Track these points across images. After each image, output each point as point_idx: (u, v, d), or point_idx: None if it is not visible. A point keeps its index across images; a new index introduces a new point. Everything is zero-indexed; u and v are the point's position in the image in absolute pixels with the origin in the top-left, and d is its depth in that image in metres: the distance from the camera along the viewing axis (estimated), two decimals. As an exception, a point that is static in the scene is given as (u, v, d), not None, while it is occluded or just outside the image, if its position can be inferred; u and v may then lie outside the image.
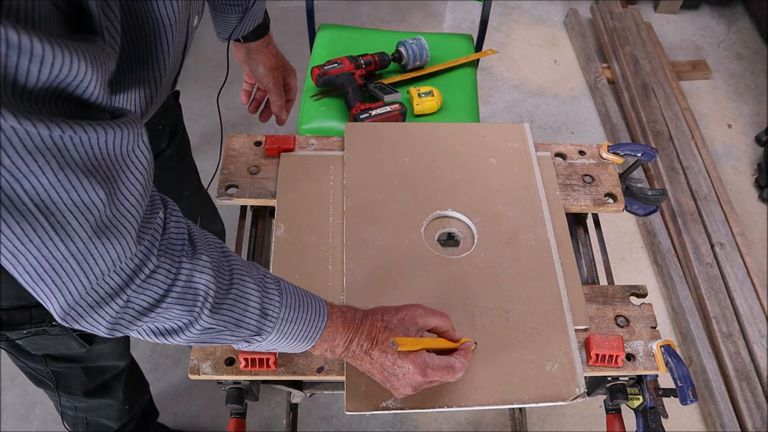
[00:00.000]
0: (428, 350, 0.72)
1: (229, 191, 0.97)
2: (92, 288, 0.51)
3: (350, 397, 0.77)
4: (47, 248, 0.47)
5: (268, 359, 0.78)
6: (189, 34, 0.74)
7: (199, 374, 0.79)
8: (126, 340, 1.17)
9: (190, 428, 1.60)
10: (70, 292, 0.51)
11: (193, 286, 0.58)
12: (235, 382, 0.83)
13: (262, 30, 1.07)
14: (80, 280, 0.50)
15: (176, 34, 0.64)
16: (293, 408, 1.34)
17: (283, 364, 0.80)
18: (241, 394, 0.84)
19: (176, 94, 1.11)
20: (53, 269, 0.49)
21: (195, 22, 0.75)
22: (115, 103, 0.66)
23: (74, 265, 0.49)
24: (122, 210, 0.51)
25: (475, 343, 0.81)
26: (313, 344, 0.69)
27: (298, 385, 1.11)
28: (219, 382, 0.84)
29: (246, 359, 0.78)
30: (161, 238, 0.56)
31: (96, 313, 0.53)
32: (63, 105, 0.44)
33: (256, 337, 0.65)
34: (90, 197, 0.47)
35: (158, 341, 0.61)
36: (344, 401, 0.77)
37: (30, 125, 0.40)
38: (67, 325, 0.54)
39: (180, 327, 0.60)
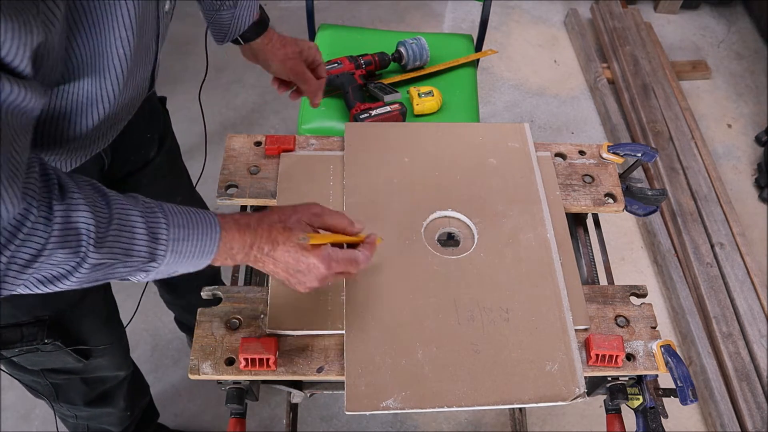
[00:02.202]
0: (333, 245, 0.73)
1: (229, 191, 0.97)
2: None
3: (350, 397, 0.77)
4: None
5: (268, 359, 0.78)
6: (159, 22, 0.73)
7: (199, 374, 0.79)
8: (124, 350, 1.16)
9: (190, 428, 1.60)
10: None
11: (73, 226, 0.57)
12: (235, 382, 0.83)
13: (260, 27, 1.04)
14: None
15: (136, 21, 0.63)
16: (293, 408, 1.34)
17: (283, 364, 0.80)
18: (241, 394, 0.84)
19: (163, 101, 1.09)
20: None
21: (166, 7, 0.73)
22: (71, 96, 0.65)
23: None
24: (6, 172, 0.50)
25: (381, 238, 0.81)
26: (211, 257, 0.68)
27: (298, 385, 1.11)
28: (219, 382, 0.84)
29: (246, 359, 0.78)
30: (39, 189, 0.55)
31: None
32: None
33: (151, 264, 0.64)
34: None
35: (47, 290, 0.60)
36: (344, 401, 0.77)
37: None
38: None
39: (68, 270, 0.59)
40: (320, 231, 0.74)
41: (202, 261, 0.68)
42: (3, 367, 0.96)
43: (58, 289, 0.60)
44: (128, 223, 0.61)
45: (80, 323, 0.95)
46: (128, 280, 0.66)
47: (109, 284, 1.04)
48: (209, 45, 1.07)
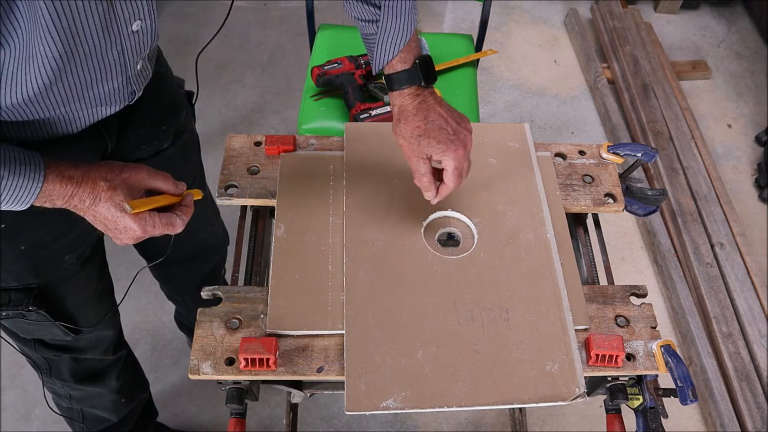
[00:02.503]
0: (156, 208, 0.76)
1: (229, 191, 0.97)
2: None
3: (350, 397, 0.77)
4: None
5: (268, 359, 0.78)
6: (123, 38, 0.73)
7: (199, 374, 0.79)
8: (116, 332, 1.17)
9: (190, 428, 1.60)
10: None
11: None
12: (235, 382, 0.83)
13: (410, 77, 0.82)
14: None
15: (58, 25, 0.64)
16: (293, 408, 1.34)
17: (283, 364, 0.80)
18: (241, 394, 0.84)
19: (189, 95, 1.10)
20: None
21: (134, 26, 0.74)
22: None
23: None
24: None
25: (202, 193, 0.83)
26: (30, 203, 0.69)
27: (298, 385, 1.11)
28: (219, 382, 0.84)
29: (246, 359, 0.78)
30: None
31: None
32: None
33: None
34: None
35: None
36: (344, 401, 0.77)
37: None
38: None
39: None
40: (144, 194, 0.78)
41: (19, 205, 0.69)
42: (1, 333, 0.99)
43: None
44: None
45: (69, 297, 0.97)
46: None
47: (106, 263, 1.07)
48: (209, 45, 1.05)
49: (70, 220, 0.68)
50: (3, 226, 0.82)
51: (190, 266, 1.32)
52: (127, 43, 0.75)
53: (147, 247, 1.23)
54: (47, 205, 0.71)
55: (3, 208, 0.69)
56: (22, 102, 0.71)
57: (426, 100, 0.83)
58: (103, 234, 0.99)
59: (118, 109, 0.84)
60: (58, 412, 1.26)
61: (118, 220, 0.73)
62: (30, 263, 0.89)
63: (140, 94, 0.86)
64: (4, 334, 1.01)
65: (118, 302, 1.10)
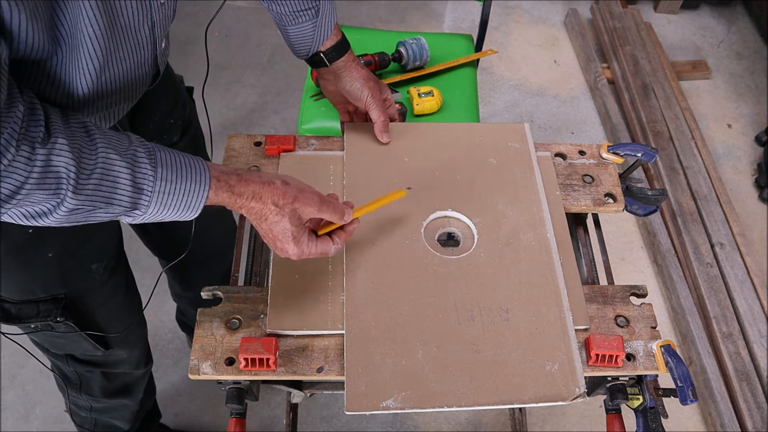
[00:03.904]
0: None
1: (229, 191, 0.96)
2: None
3: (350, 397, 0.77)
4: None
5: (268, 359, 0.78)
6: (153, 10, 0.73)
7: (199, 374, 0.79)
8: (145, 346, 1.18)
9: (191, 428, 1.60)
10: None
11: (53, 170, 0.59)
12: (235, 382, 0.83)
13: (344, 44, 0.99)
14: None
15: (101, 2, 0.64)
16: (293, 408, 1.34)
17: (283, 364, 0.80)
18: (241, 394, 0.84)
19: (190, 90, 1.12)
20: None
21: None
22: (54, 66, 0.66)
23: None
24: None
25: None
26: (198, 212, 0.70)
27: (298, 385, 1.11)
28: (219, 382, 0.84)
29: (246, 359, 0.78)
30: (20, 128, 0.57)
31: None
32: None
33: (134, 212, 0.66)
34: None
35: (30, 223, 0.63)
36: (344, 401, 0.77)
37: None
38: None
39: (47, 210, 0.62)
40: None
41: (189, 214, 0.70)
42: (30, 348, 1.00)
43: (39, 225, 0.63)
44: (111, 173, 0.63)
45: (97, 308, 0.97)
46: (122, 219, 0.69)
47: (132, 275, 1.07)
48: (209, 44, 1.06)
49: (92, 226, 0.68)
50: (31, 231, 0.82)
51: (208, 265, 1.33)
52: (156, 17, 0.75)
53: (156, 243, 1.24)
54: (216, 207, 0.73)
55: (174, 217, 0.70)
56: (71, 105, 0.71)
57: (354, 58, 1.01)
58: (122, 242, 1.00)
59: (138, 98, 0.84)
60: (73, 419, 1.27)
61: (277, 241, 0.76)
62: (57, 272, 0.89)
63: (159, 78, 0.87)
64: (35, 348, 1.01)
65: (143, 306, 1.10)
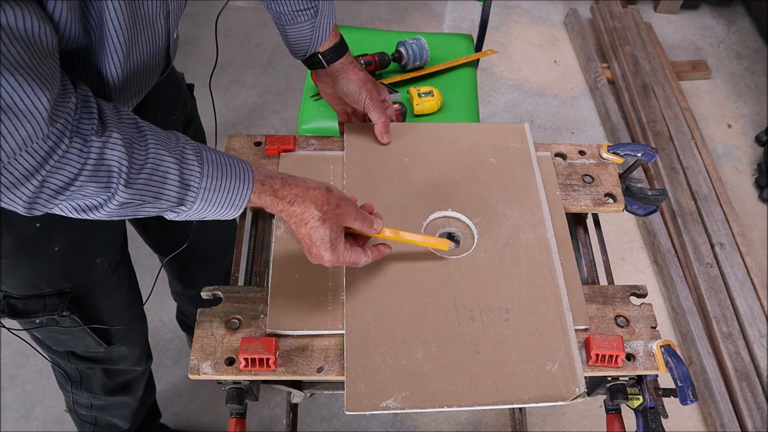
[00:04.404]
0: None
1: (229, 191, 0.96)
2: (5, 168, 0.55)
3: (350, 397, 0.77)
4: None
5: (268, 359, 0.78)
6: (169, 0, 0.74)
7: (199, 374, 0.79)
8: (145, 343, 1.18)
9: (191, 428, 1.60)
10: None
11: (106, 164, 0.60)
12: (235, 382, 0.83)
13: (342, 46, 0.99)
14: None
15: None
16: (293, 408, 1.34)
17: (283, 364, 0.80)
18: (241, 394, 0.84)
19: (191, 87, 1.13)
20: None
21: None
22: (84, 57, 0.67)
23: None
24: (27, 92, 0.53)
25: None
26: (241, 211, 0.72)
27: (298, 385, 1.11)
28: (219, 382, 0.84)
29: (246, 359, 0.78)
30: (73, 120, 0.58)
31: (12, 193, 0.57)
32: None
33: (180, 207, 0.68)
34: (9, 84, 0.51)
35: (80, 217, 0.64)
36: (344, 401, 0.77)
37: None
38: None
39: (99, 203, 0.63)
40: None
41: (231, 212, 0.71)
42: (32, 344, 1.01)
43: (90, 218, 0.65)
44: (161, 169, 0.64)
45: (101, 302, 0.98)
46: (164, 216, 0.70)
47: (134, 271, 1.08)
48: (209, 45, 1.06)
49: (97, 221, 0.69)
50: (38, 225, 0.82)
51: (210, 263, 1.33)
52: (172, 6, 0.76)
53: (157, 240, 1.24)
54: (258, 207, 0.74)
55: (216, 216, 0.71)
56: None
57: (352, 60, 1.01)
58: (126, 237, 1.01)
59: (149, 90, 0.85)
60: (73, 418, 1.27)
61: (314, 246, 0.76)
62: (63, 266, 0.89)
63: (168, 70, 0.88)
64: (35, 345, 1.02)
65: (143, 302, 1.11)
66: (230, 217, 0.72)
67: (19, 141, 0.54)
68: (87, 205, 0.63)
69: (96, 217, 0.65)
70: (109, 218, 0.65)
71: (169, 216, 0.70)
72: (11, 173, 0.56)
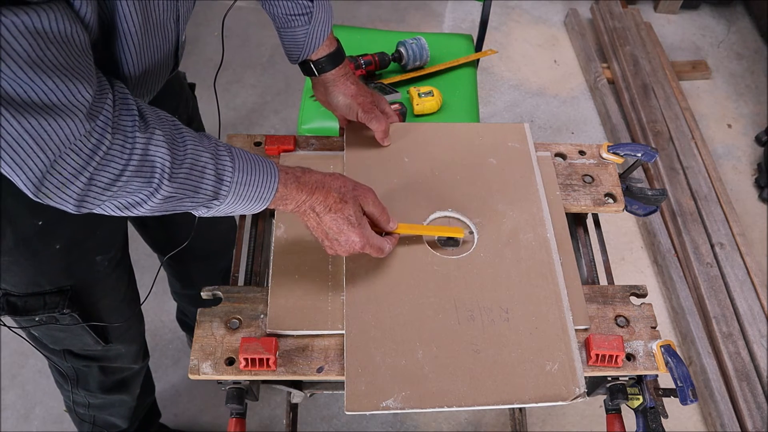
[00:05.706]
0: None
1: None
2: (52, 167, 0.57)
3: (350, 397, 0.77)
4: (2, 127, 0.53)
5: (268, 359, 0.78)
6: (179, 3, 0.75)
7: (199, 374, 0.79)
8: (143, 341, 1.18)
9: (191, 428, 1.60)
10: (31, 169, 0.57)
11: (150, 159, 0.63)
12: (235, 382, 0.83)
13: (337, 56, 0.98)
14: (38, 157, 0.56)
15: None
16: (293, 408, 1.34)
17: (283, 364, 0.80)
18: (241, 394, 0.84)
19: (192, 86, 1.14)
20: (10, 146, 0.55)
21: None
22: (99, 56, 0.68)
23: (29, 142, 0.55)
24: (66, 90, 0.55)
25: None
26: (267, 204, 0.74)
27: (298, 385, 1.11)
28: (219, 382, 0.84)
29: (246, 359, 0.78)
30: (113, 116, 0.60)
31: (63, 192, 0.59)
32: None
33: (214, 202, 0.71)
34: (47, 85, 0.53)
35: (123, 215, 0.67)
36: (344, 401, 0.77)
37: None
38: (40, 201, 0.60)
39: (143, 198, 0.65)
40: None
41: (258, 206, 0.74)
42: (30, 341, 1.01)
43: (132, 215, 0.67)
44: (199, 164, 0.68)
45: (100, 300, 0.98)
46: (193, 213, 0.73)
47: (132, 270, 1.08)
48: (209, 45, 1.06)
49: (99, 217, 0.69)
50: (41, 222, 0.83)
51: (209, 262, 1.33)
52: (182, 8, 0.77)
53: (157, 239, 1.24)
54: (280, 208, 0.77)
55: (243, 210, 0.74)
56: None
57: (346, 72, 1.00)
58: (126, 235, 1.01)
59: (157, 91, 0.86)
60: (72, 417, 1.27)
61: (343, 232, 0.78)
62: (64, 264, 0.89)
63: (175, 71, 0.89)
64: (32, 343, 1.02)
65: (141, 301, 1.11)
66: (255, 212, 0.75)
67: (63, 138, 0.56)
68: (130, 202, 0.65)
69: (138, 213, 0.67)
70: (151, 213, 0.68)
71: (201, 212, 0.72)
72: (60, 173, 0.58)
